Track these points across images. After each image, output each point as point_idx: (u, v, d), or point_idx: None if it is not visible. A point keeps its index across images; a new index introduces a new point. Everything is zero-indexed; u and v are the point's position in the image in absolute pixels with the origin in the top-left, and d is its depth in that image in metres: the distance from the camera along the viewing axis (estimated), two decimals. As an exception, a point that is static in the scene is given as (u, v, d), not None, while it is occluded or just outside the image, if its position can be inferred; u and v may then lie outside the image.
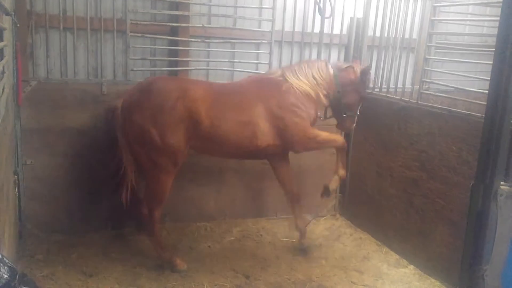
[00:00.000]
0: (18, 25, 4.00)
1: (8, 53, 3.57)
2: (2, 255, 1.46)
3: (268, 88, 4.50)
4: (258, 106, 4.37)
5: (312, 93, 4.55)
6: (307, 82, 4.55)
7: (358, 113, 4.82)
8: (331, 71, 4.64)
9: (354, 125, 4.89)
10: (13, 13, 3.53)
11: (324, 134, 4.60)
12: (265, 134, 4.38)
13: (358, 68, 4.73)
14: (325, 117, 4.93)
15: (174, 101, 4.11)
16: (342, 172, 4.73)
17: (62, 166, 4.71)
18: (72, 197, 4.79)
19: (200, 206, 5.25)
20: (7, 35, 3.50)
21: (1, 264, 1.41)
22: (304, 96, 4.51)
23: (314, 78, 4.58)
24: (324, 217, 5.78)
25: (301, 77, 4.55)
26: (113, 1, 4.76)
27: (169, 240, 4.91)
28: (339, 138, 4.78)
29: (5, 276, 1.42)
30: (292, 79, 4.53)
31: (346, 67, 4.72)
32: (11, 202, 3.69)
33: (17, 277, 1.48)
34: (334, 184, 4.78)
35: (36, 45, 4.72)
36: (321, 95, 4.60)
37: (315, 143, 4.60)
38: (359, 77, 4.68)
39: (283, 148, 4.60)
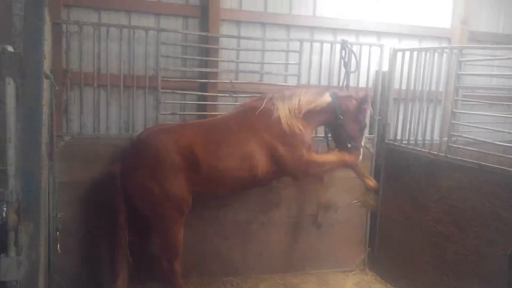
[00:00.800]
0: (56, 88, 4.18)
1: (45, 112, 3.72)
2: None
3: (258, 118, 4.48)
4: (251, 138, 4.40)
5: (302, 121, 4.54)
6: (297, 108, 4.52)
7: (363, 145, 4.76)
8: (329, 98, 4.63)
9: (361, 157, 4.77)
10: (52, 76, 3.71)
11: (326, 156, 4.61)
12: (262, 163, 4.40)
13: (357, 96, 4.74)
14: (329, 147, 4.95)
15: (169, 153, 4.20)
16: (371, 183, 4.76)
17: (92, 220, 4.77)
18: (100, 250, 4.81)
19: (226, 260, 5.19)
20: (45, 95, 3.67)
21: None
22: (295, 123, 4.49)
23: (309, 103, 4.57)
24: (353, 272, 5.64)
25: (291, 103, 4.54)
26: (145, 59, 4.96)
27: (195, 295, 4.85)
28: (345, 156, 4.65)
29: None
30: (281, 106, 4.51)
31: (345, 95, 4.74)
32: (43, 258, 3.73)
33: None
34: (370, 198, 4.87)
35: (71, 101, 4.90)
36: (313, 123, 4.67)
37: (317, 167, 4.58)
38: (358, 105, 4.66)
39: (284, 174, 4.63)
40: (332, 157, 4.66)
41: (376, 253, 5.74)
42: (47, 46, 3.69)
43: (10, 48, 1.99)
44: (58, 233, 4.11)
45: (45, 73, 3.29)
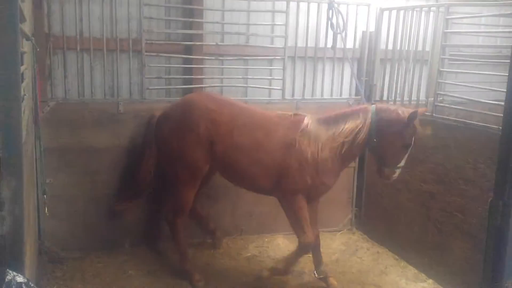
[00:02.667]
0: (38, 49, 4.10)
1: (28, 76, 3.67)
2: (27, 279, 1.50)
3: (290, 132, 4.20)
4: (274, 151, 4.19)
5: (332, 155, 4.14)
6: (337, 139, 4.11)
7: (402, 164, 4.16)
8: (369, 119, 4.08)
9: (395, 176, 4.22)
10: (33, 38, 3.63)
11: (304, 217, 4.19)
12: (267, 178, 4.24)
13: (404, 112, 4.07)
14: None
15: (197, 119, 4.27)
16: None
17: (80, 185, 4.79)
18: (90, 215, 4.85)
19: (216, 221, 5.25)
20: (27, 58, 3.60)
21: (27, 289, 1.44)
22: (327, 157, 4.14)
23: (346, 130, 4.09)
24: (341, 232, 5.75)
25: (335, 133, 4.12)
26: (128, 21, 4.87)
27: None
28: (309, 236, 4.19)
29: (30, 300, 1.45)
30: (324, 135, 4.14)
31: (389, 112, 4.11)
32: (31, 221, 3.75)
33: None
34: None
35: (54, 66, 4.83)
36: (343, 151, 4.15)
37: (289, 210, 4.28)
38: (405, 122, 4.01)
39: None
40: (304, 222, 4.20)
41: (363, 213, 5.85)
42: (27, 9, 3.60)
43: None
44: (45, 196, 4.11)
45: (25, 34, 3.23)
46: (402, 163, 4.16)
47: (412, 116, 3.98)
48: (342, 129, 4.10)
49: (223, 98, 4.62)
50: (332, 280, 4.51)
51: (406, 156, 4.14)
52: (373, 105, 4.19)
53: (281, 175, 4.19)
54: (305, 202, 4.25)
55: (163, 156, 4.52)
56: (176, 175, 4.44)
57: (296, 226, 4.27)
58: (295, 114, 4.41)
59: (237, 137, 4.23)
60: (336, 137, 4.11)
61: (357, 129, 4.07)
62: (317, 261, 4.58)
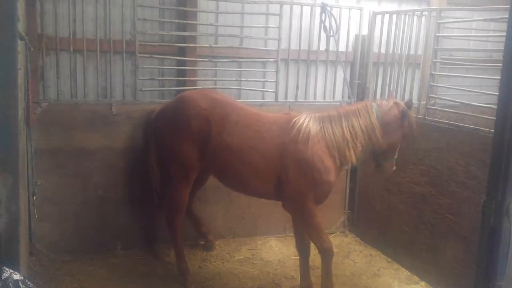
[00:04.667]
0: (32, 49, 4.07)
1: (20, 76, 3.64)
2: (24, 277, 1.48)
3: (289, 134, 4.01)
4: (268, 151, 4.04)
5: (338, 154, 4.00)
6: (341, 138, 3.99)
7: (396, 155, 4.27)
8: (374, 115, 4.03)
9: (394, 168, 4.33)
10: (26, 37, 3.61)
11: (318, 223, 4.08)
12: (263, 181, 4.11)
13: (399, 104, 4.16)
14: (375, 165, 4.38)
15: (188, 117, 4.24)
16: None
17: (72, 187, 4.74)
18: (81, 218, 4.81)
19: (208, 224, 5.23)
20: (20, 59, 3.57)
21: (24, 286, 1.42)
22: (327, 155, 3.99)
23: (353, 129, 4.00)
24: (333, 234, 5.75)
25: (336, 133, 4.00)
26: (122, 23, 4.85)
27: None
28: (328, 241, 4.09)
29: (27, 298, 1.44)
30: (324, 134, 3.99)
31: (390, 106, 4.12)
32: (23, 223, 3.71)
33: (38, 299, 1.50)
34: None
35: (47, 67, 4.80)
36: (353, 153, 4.01)
37: (303, 219, 4.14)
38: (401, 112, 4.10)
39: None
40: (319, 229, 4.10)
41: (355, 215, 5.86)
42: (20, 8, 3.58)
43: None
44: (34, 197, 4.08)
45: (19, 33, 3.20)
46: (396, 153, 4.30)
47: (409, 105, 4.14)
48: (349, 127, 4.00)
49: (217, 97, 4.39)
50: None
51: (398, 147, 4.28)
52: (373, 103, 4.17)
53: (280, 178, 4.04)
54: (315, 207, 4.08)
55: (159, 153, 4.54)
56: (170, 173, 4.45)
57: (312, 233, 4.12)
58: (289, 113, 4.40)
59: (227, 136, 4.10)
60: (343, 136, 3.99)
61: (366, 127, 4.00)
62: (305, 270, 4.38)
